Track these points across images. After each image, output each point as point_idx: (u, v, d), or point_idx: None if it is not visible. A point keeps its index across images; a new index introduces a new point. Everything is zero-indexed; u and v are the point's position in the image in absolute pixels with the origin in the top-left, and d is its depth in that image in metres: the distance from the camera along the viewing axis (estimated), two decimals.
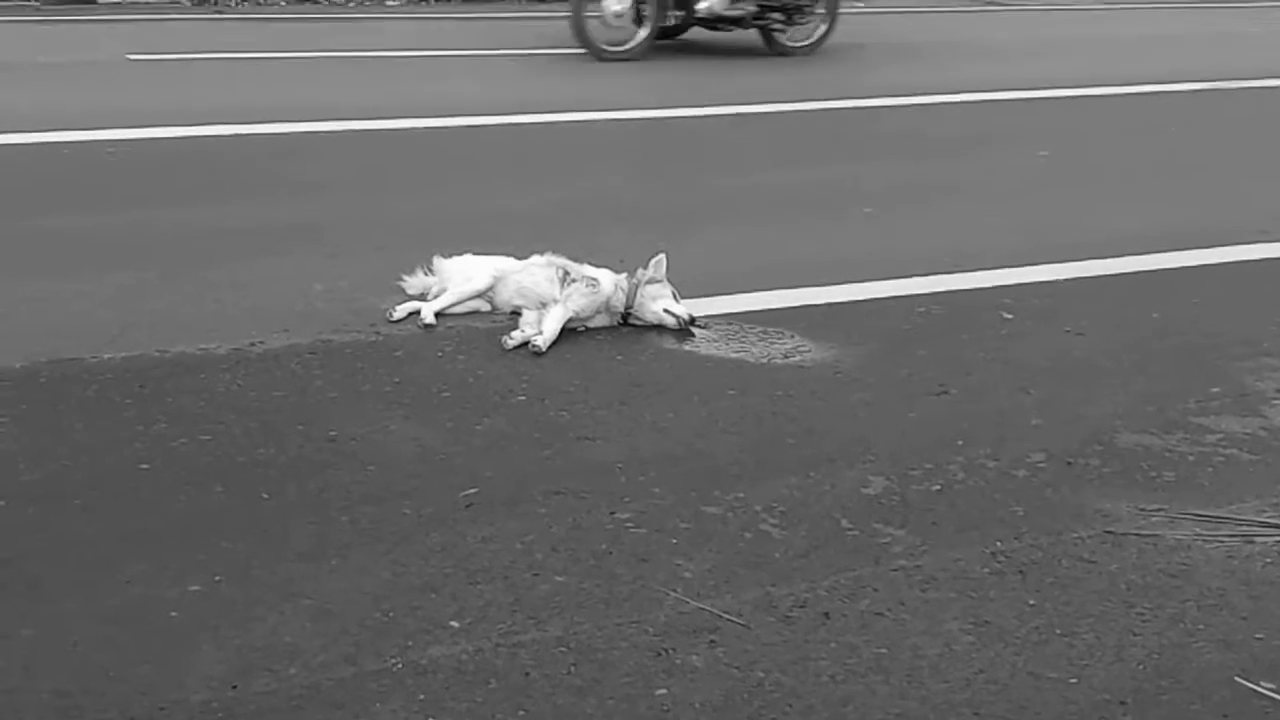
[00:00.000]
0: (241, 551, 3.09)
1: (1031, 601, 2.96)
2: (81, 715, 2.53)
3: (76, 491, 3.37)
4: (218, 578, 2.98)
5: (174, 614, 2.84)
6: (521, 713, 2.56)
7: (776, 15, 11.46)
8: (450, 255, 4.86)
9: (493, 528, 3.22)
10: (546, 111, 8.58)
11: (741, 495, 3.42)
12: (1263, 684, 2.68)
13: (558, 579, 3.01)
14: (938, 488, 3.50)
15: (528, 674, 2.66)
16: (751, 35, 11.65)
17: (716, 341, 4.55)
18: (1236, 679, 2.71)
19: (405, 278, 4.84)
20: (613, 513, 3.32)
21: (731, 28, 11.48)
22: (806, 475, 3.54)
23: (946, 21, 15.84)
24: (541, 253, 4.80)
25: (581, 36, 10.88)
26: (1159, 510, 3.39)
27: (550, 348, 4.39)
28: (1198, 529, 3.30)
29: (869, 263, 5.44)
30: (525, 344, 4.40)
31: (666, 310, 4.61)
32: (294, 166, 7.09)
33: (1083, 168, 7.61)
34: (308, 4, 15.26)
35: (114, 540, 3.13)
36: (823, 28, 11.81)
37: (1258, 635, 2.86)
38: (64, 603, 2.87)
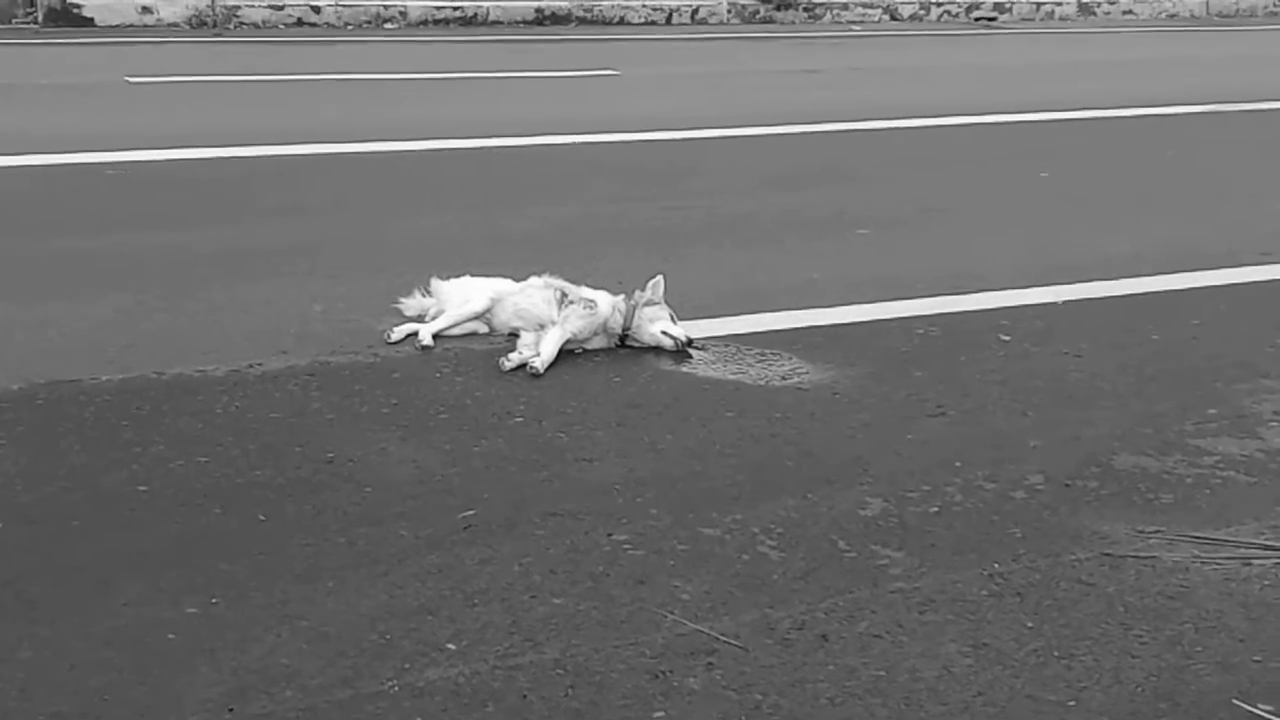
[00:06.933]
0: (238, 573, 3.08)
1: (1030, 624, 2.96)
2: None
3: (74, 513, 3.36)
4: (214, 600, 2.97)
5: (171, 636, 2.83)
6: None
7: None
8: (448, 277, 4.86)
9: (490, 550, 3.22)
10: (544, 133, 8.60)
11: (739, 517, 3.42)
12: (1260, 706, 2.67)
13: (555, 601, 3.00)
14: (935, 509, 3.49)
15: (525, 696, 2.65)
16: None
17: (714, 363, 4.55)
18: (1235, 701, 2.70)
19: (403, 299, 4.84)
20: (610, 534, 3.31)
21: None
22: (804, 497, 3.54)
23: (943, 45, 15.89)
24: (539, 274, 4.81)
25: None
26: (1157, 532, 3.39)
27: (548, 369, 4.39)
28: (1195, 551, 3.29)
29: (866, 284, 5.44)
30: (523, 366, 4.40)
31: (664, 332, 4.61)
32: (292, 188, 7.11)
33: (1082, 189, 7.63)
34: (305, 28, 15.30)
35: (111, 562, 3.12)
36: None
37: (1255, 657, 2.85)
38: (61, 625, 2.86)
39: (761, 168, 8.04)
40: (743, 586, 3.08)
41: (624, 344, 4.66)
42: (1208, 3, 19.80)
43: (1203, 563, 3.23)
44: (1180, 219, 6.95)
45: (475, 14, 16.15)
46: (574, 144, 8.44)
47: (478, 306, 4.73)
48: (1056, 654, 2.84)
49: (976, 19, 18.50)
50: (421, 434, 3.90)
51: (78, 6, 14.69)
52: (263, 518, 3.36)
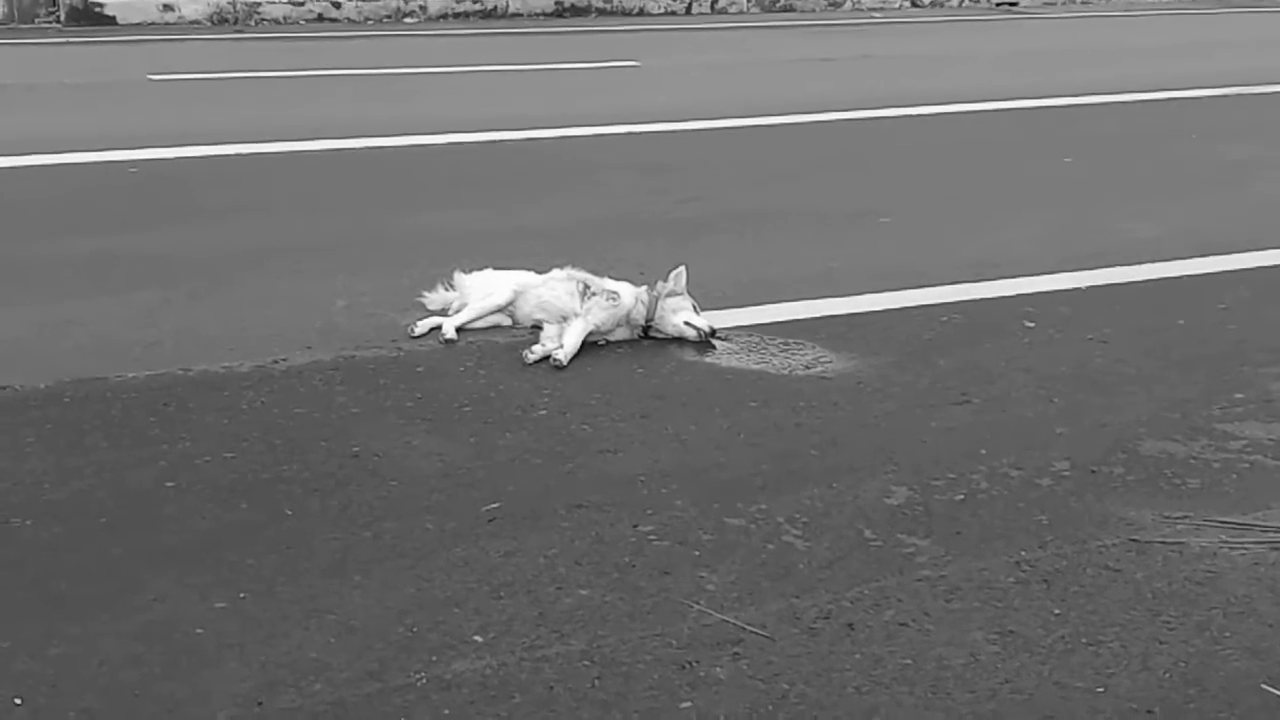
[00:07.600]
0: (266, 568, 3.10)
1: (1057, 611, 2.95)
2: None
3: (101, 510, 3.38)
4: (242, 595, 2.99)
5: (199, 631, 2.84)
6: None
7: None
8: (471, 270, 4.87)
9: (515, 542, 3.23)
10: (564, 126, 8.60)
11: (764, 507, 3.42)
12: None
13: (581, 592, 3.01)
14: (961, 497, 3.49)
15: (552, 688, 2.66)
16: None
17: (738, 353, 4.55)
18: (1263, 686, 2.69)
19: (426, 293, 4.85)
20: (635, 525, 3.31)
21: None
22: (829, 486, 3.54)
23: (964, 30, 15.83)
24: (561, 266, 4.81)
25: None
26: (1184, 518, 3.37)
27: (571, 361, 4.39)
28: (1223, 536, 3.28)
29: (889, 273, 5.43)
30: (546, 358, 4.41)
31: (687, 323, 4.60)
32: (314, 184, 7.13)
33: (1106, 174, 7.60)
34: (326, 23, 15.34)
35: (139, 558, 3.14)
36: None
37: None
38: (90, 621, 2.88)
39: (781, 157, 8.03)
40: (768, 576, 3.08)
41: (647, 335, 4.66)
42: None
43: (1230, 548, 3.22)
44: (1205, 203, 6.91)
45: (495, 7, 16.16)
46: (594, 136, 8.44)
47: (501, 299, 4.74)
48: (1084, 640, 2.83)
49: (998, 3, 18.43)
50: (446, 427, 3.91)
51: (99, 5, 14.75)
52: (289, 512, 3.38)
